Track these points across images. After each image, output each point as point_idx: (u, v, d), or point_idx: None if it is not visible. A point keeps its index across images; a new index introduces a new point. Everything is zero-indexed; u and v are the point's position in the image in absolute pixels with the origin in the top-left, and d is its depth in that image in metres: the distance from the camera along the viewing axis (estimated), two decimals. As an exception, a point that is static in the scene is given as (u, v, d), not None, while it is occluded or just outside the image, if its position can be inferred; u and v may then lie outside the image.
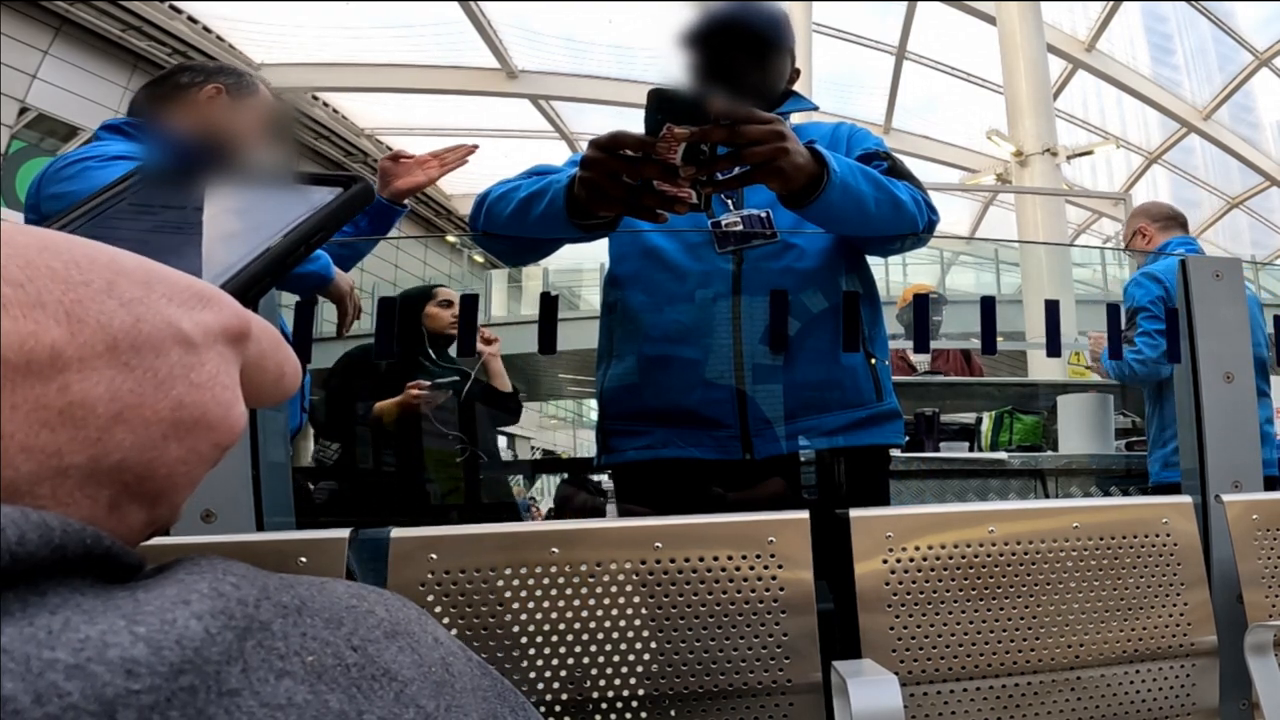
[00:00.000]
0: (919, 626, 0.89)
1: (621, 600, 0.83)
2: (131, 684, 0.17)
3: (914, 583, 0.90)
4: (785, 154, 0.97)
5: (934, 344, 3.81)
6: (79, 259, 0.22)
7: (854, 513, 0.90)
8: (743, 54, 1.19)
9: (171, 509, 0.24)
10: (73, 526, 0.19)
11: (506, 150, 12.76)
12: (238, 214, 0.34)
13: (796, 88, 1.32)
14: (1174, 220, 2.56)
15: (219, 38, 9.47)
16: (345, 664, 0.22)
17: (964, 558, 0.91)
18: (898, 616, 0.89)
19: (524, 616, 0.81)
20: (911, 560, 0.90)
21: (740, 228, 1.21)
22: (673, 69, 1.21)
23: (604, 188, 0.98)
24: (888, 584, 0.89)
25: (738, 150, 0.95)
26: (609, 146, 0.97)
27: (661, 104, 0.92)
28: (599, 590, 0.82)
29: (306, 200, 0.33)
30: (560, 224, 1.07)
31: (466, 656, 0.28)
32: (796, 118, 1.31)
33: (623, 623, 0.82)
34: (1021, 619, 0.91)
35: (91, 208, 0.34)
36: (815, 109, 1.38)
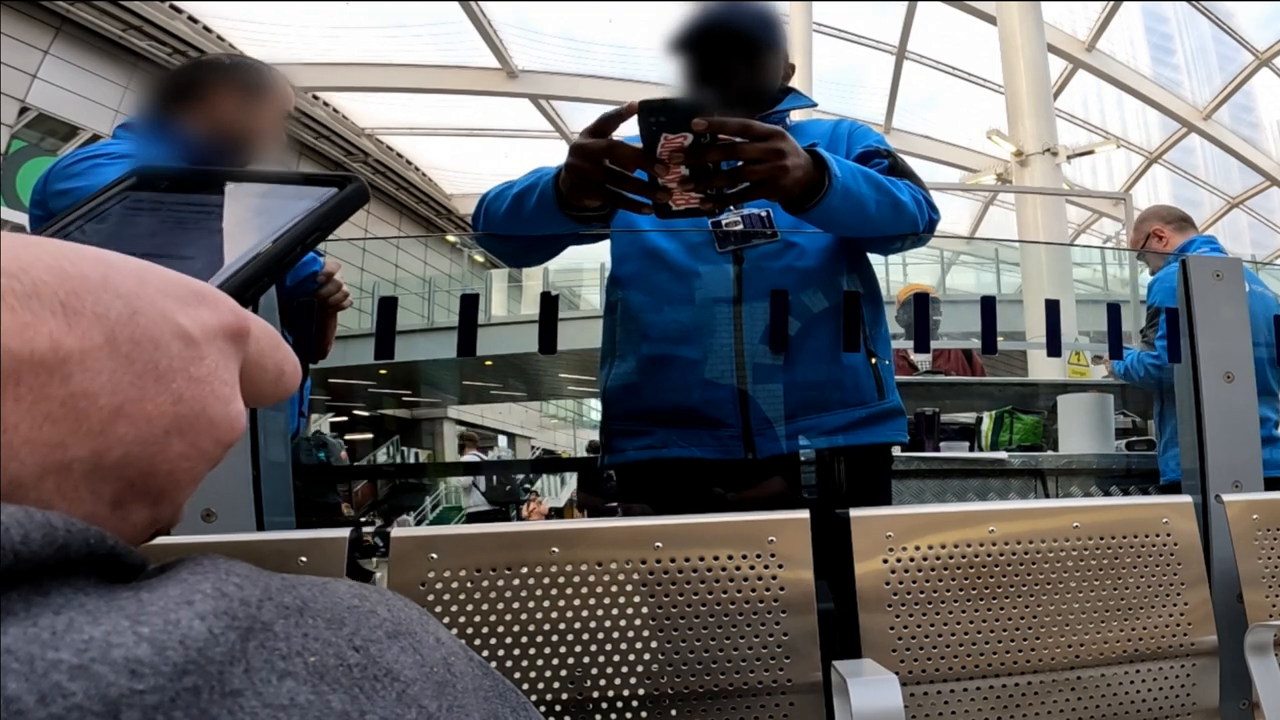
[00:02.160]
0: (919, 626, 0.89)
1: (622, 600, 0.83)
2: (136, 684, 0.17)
3: (914, 582, 0.90)
4: (784, 172, 0.97)
5: (934, 344, 3.81)
6: (69, 254, 0.22)
7: (854, 512, 0.90)
8: (734, 57, 1.18)
9: (174, 508, 0.24)
10: (76, 526, 0.19)
11: (506, 150, 12.77)
12: (234, 215, 0.34)
13: (798, 86, 1.31)
14: (1186, 221, 2.59)
15: (219, 37, 9.47)
16: (347, 664, 0.22)
17: (964, 558, 0.91)
18: (898, 616, 0.89)
19: (524, 616, 0.81)
20: (911, 560, 0.90)
21: (740, 227, 1.21)
22: (671, 70, 1.20)
23: (590, 175, 0.99)
24: (888, 584, 0.89)
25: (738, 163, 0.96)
26: (597, 131, 0.97)
27: (653, 114, 0.91)
28: (599, 590, 0.82)
29: (302, 201, 0.34)
30: (552, 216, 1.07)
31: (468, 656, 0.28)
32: (796, 115, 1.31)
33: (623, 622, 0.82)
34: (1021, 619, 0.91)
35: (89, 210, 0.34)
36: (814, 106, 1.37)
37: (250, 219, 0.33)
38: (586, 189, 1.01)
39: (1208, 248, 2.47)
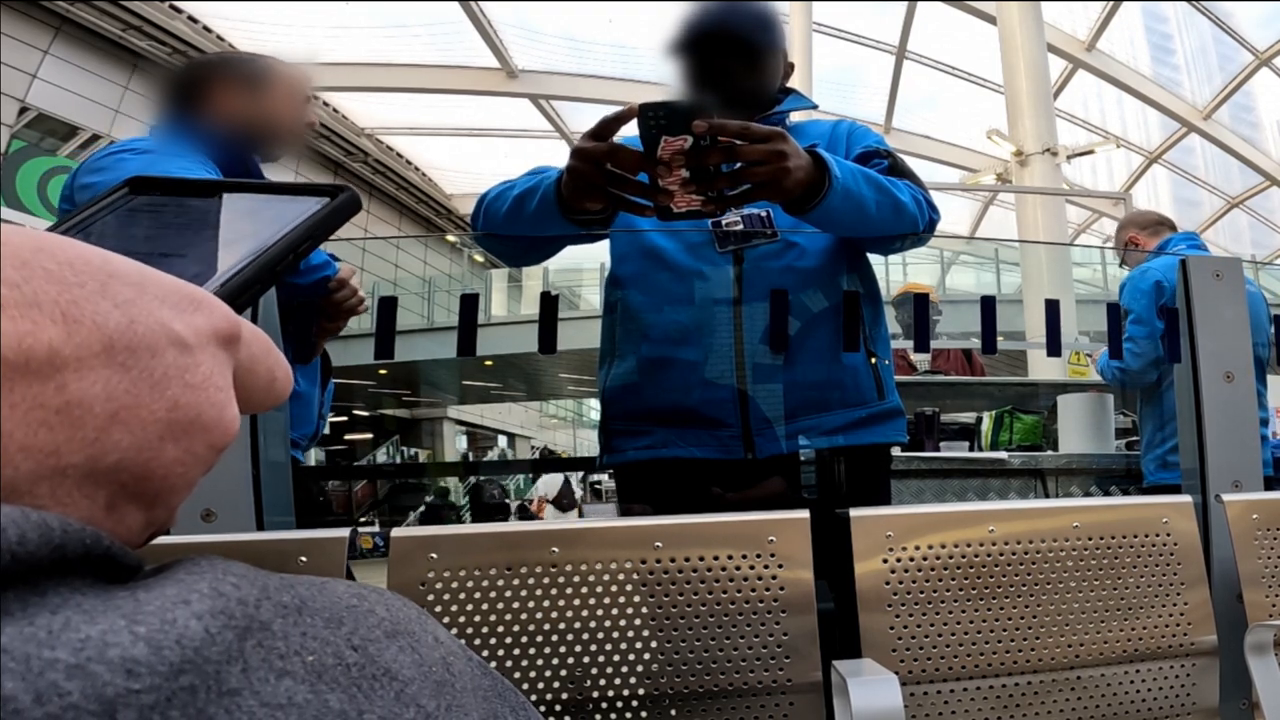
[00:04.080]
0: (919, 626, 0.89)
1: (622, 600, 0.83)
2: (132, 684, 0.17)
3: (914, 582, 0.89)
4: (786, 174, 0.97)
5: (934, 343, 3.81)
6: (73, 260, 0.22)
7: (854, 512, 0.90)
8: (733, 58, 1.17)
9: (168, 510, 0.24)
10: (73, 526, 0.19)
11: (507, 150, 12.78)
12: (227, 223, 0.34)
13: (798, 85, 1.31)
14: (1163, 225, 2.55)
15: (219, 37, 9.48)
16: (345, 664, 0.22)
17: (964, 557, 0.91)
18: (898, 616, 0.89)
19: (524, 616, 0.81)
20: (911, 560, 0.90)
21: (741, 227, 1.21)
22: (671, 72, 1.20)
23: (591, 178, 0.99)
24: (888, 583, 0.89)
25: (739, 165, 0.96)
26: (598, 134, 0.97)
27: (653, 117, 0.91)
28: (599, 590, 0.82)
29: (295, 209, 0.34)
30: (553, 218, 1.07)
31: (467, 656, 0.28)
32: (796, 116, 1.31)
33: (623, 622, 0.82)
34: (1021, 619, 0.91)
35: (86, 216, 0.34)
36: (814, 107, 1.37)
37: (243, 227, 0.34)
38: (588, 192, 1.01)
39: (1186, 244, 2.45)
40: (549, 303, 1.15)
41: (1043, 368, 5.77)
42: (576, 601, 0.82)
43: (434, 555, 0.81)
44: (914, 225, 1.14)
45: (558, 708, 0.80)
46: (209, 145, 1.34)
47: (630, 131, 0.97)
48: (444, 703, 0.24)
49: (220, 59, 1.52)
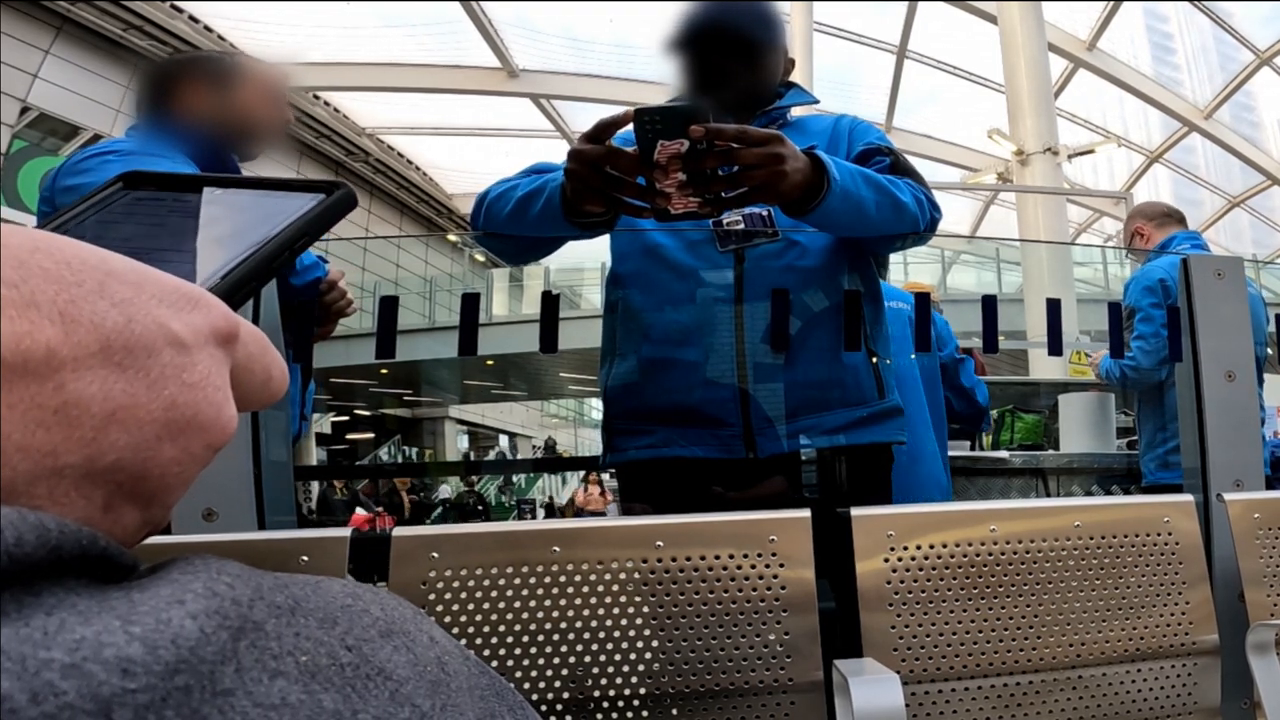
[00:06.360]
0: (920, 625, 0.89)
1: (623, 599, 0.82)
2: (128, 683, 0.17)
3: (915, 582, 0.89)
4: (783, 177, 0.97)
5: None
6: (70, 260, 0.22)
7: (855, 511, 0.90)
8: (732, 58, 1.17)
9: (164, 509, 0.24)
10: (69, 528, 0.19)
11: (507, 149, 12.79)
12: (223, 220, 0.34)
13: (799, 82, 1.31)
14: (1170, 218, 2.54)
15: (220, 37, 9.48)
16: (340, 663, 0.22)
17: (965, 557, 0.91)
18: (899, 615, 0.88)
19: (524, 616, 0.81)
20: (913, 559, 0.90)
21: (742, 226, 1.21)
22: (671, 70, 1.20)
23: (589, 180, 0.99)
24: (889, 583, 0.89)
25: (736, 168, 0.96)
26: (594, 138, 0.97)
27: (649, 121, 0.91)
28: (600, 589, 0.82)
29: (291, 206, 0.34)
30: (557, 222, 1.07)
31: (463, 655, 0.28)
32: (797, 111, 1.30)
33: (624, 622, 0.82)
34: (1023, 618, 0.91)
35: (79, 212, 0.34)
36: (816, 102, 1.37)
37: (238, 223, 0.34)
38: (586, 194, 1.01)
39: (1189, 244, 2.44)
40: (550, 302, 1.15)
41: (1044, 367, 5.78)
42: (578, 601, 0.82)
43: (435, 555, 0.81)
44: (915, 224, 1.13)
45: (559, 707, 0.80)
46: (185, 144, 1.33)
47: (630, 132, 0.97)
48: (439, 702, 0.24)
49: (190, 58, 1.51)
